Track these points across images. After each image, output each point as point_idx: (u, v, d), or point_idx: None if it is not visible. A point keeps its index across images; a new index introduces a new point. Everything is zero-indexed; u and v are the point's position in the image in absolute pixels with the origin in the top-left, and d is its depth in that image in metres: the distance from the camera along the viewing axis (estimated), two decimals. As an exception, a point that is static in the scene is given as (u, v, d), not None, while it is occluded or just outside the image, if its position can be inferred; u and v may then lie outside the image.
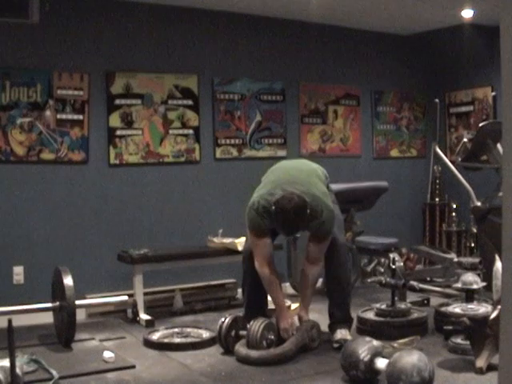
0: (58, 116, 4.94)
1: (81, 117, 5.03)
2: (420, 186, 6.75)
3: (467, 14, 5.69)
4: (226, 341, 3.89)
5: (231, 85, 5.71)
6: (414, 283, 4.69)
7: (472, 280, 4.14)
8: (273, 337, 3.81)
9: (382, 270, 5.63)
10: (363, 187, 5.64)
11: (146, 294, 4.86)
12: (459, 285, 4.19)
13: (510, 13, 1.59)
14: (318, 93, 6.19)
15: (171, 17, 5.42)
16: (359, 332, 4.15)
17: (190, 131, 5.52)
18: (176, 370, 3.62)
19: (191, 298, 5.28)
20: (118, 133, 5.20)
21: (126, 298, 4.49)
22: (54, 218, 4.96)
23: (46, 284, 4.38)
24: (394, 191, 6.14)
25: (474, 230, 6.03)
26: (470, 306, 4.09)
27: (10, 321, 2.69)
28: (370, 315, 4.26)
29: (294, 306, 4.44)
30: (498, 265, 3.47)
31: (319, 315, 4.39)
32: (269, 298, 4.10)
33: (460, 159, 5.26)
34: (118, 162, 5.21)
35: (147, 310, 4.84)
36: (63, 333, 4.04)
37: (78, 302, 4.06)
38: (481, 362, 3.33)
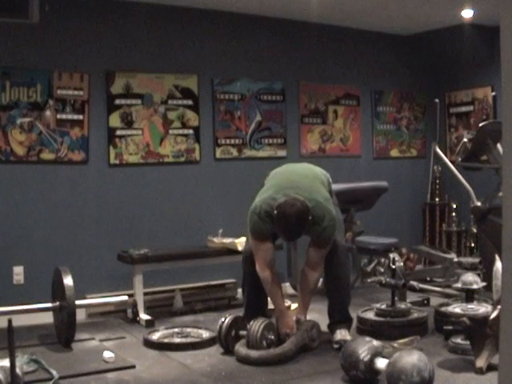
0: (58, 116, 4.94)
1: (81, 117, 5.03)
2: (420, 186, 6.75)
3: (467, 13, 5.69)
4: (225, 341, 3.89)
5: (231, 85, 5.71)
6: (413, 283, 4.69)
7: (472, 280, 4.14)
8: (273, 337, 3.82)
9: (382, 270, 5.63)
10: (363, 187, 5.65)
11: (146, 293, 4.86)
12: (459, 285, 4.19)
13: (510, 13, 1.59)
14: (318, 93, 6.19)
15: (171, 17, 5.42)
16: (359, 332, 4.14)
17: (190, 131, 5.52)
18: (176, 370, 3.62)
19: (191, 298, 5.28)
20: (118, 133, 5.20)
21: (126, 298, 4.49)
22: (54, 217, 4.96)
23: (46, 284, 4.38)
24: (393, 191, 6.15)
25: (474, 230, 6.04)
26: (470, 306, 4.09)
27: (9, 321, 2.69)
28: (370, 315, 4.26)
29: (294, 306, 4.44)
30: (498, 265, 3.48)
31: (319, 315, 4.39)
32: (269, 298, 4.09)
33: (460, 159, 5.26)
34: (117, 162, 5.21)
35: (147, 310, 4.84)
36: (63, 333, 4.04)
37: (77, 302, 4.06)
38: (481, 362, 3.33)
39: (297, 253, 5.46)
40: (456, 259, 4.90)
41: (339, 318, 4.07)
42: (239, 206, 5.30)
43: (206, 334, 4.21)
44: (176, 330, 4.33)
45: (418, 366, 3.01)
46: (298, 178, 4.05)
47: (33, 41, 4.85)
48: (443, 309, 4.19)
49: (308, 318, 4.09)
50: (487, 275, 4.28)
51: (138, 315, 4.71)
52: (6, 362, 2.84)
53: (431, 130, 6.64)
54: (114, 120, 5.19)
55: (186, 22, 5.50)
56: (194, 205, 5.53)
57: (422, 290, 4.84)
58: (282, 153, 5.95)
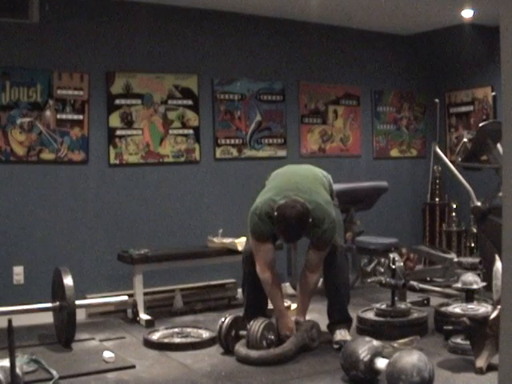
0: (58, 116, 4.94)
1: (81, 117, 5.03)
2: (420, 186, 6.75)
3: (467, 13, 5.69)
4: (225, 341, 3.89)
5: (231, 85, 5.71)
6: (414, 283, 4.69)
7: (472, 280, 4.14)
8: (273, 337, 3.82)
9: (382, 270, 5.63)
10: (363, 187, 5.65)
11: (146, 294, 4.86)
12: (459, 285, 4.19)
13: (510, 13, 1.59)
14: (318, 93, 6.19)
15: (171, 17, 5.42)
16: (359, 332, 4.15)
17: (190, 131, 5.52)
18: (176, 370, 3.62)
19: (191, 298, 5.28)
20: (118, 133, 5.20)
21: (126, 298, 4.49)
22: (54, 217, 4.96)
23: (46, 284, 4.38)
24: (393, 191, 6.15)
25: (474, 230, 6.03)
26: (470, 306, 4.09)
27: (10, 321, 2.69)
28: (370, 315, 4.26)
29: (294, 306, 4.44)
30: (498, 265, 3.48)
31: (319, 315, 4.39)
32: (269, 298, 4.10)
33: (460, 159, 5.26)
34: (117, 162, 5.21)
35: (147, 310, 4.84)
36: (63, 333, 4.04)
37: (77, 302, 4.06)
38: (481, 362, 3.33)
39: (297, 253, 5.46)
40: (456, 259, 4.90)
41: (339, 318, 4.07)
42: (239, 206, 5.31)
43: (205, 334, 4.21)
44: (176, 329, 4.33)
45: (418, 366, 3.01)
46: (298, 179, 4.05)
47: (33, 41, 4.84)
48: (443, 309, 4.19)
49: (308, 318, 4.10)
50: (487, 275, 4.28)
51: (137, 315, 4.71)
52: (6, 362, 2.84)
53: (431, 130, 6.64)
54: (114, 120, 5.19)
55: (186, 21, 5.50)
56: (193, 205, 5.53)
57: (422, 290, 4.84)
58: (282, 153, 5.95)
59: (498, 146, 4.85)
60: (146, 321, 4.61)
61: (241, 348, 3.77)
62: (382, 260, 5.62)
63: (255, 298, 4.12)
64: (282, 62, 5.99)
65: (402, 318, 4.15)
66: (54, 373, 3.38)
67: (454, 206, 6.43)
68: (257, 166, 5.71)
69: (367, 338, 3.40)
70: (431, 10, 5.60)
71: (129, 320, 4.79)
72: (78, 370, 3.55)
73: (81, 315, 4.72)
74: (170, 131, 5.42)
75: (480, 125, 5.06)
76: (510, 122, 1.61)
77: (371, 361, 3.23)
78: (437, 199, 6.62)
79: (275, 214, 3.76)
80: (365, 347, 3.27)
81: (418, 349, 3.48)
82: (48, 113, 4.90)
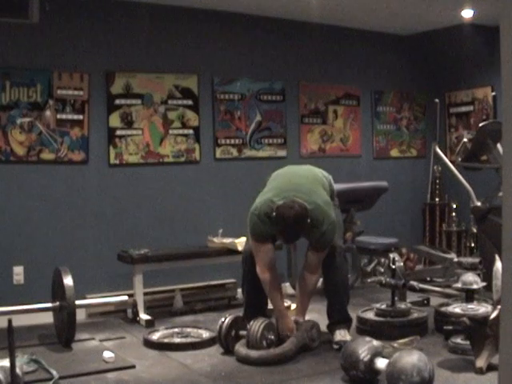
0: (58, 116, 4.94)
1: (81, 117, 5.03)
2: (420, 186, 6.75)
3: (467, 13, 5.69)
4: (225, 341, 3.89)
5: (231, 85, 5.71)
6: (414, 283, 4.70)
7: (472, 280, 4.14)
8: (273, 337, 3.82)
9: (382, 270, 5.63)
10: (363, 187, 5.65)
11: (146, 294, 4.86)
12: (459, 285, 4.19)
13: (510, 13, 1.59)
14: (318, 93, 6.19)
15: (171, 17, 5.42)
16: (359, 332, 4.15)
17: (190, 131, 5.51)
18: (176, 370, 3.63)
19: (191, 298, 5.28)
20: (118, 133, 5.20)
21: (126, 298, 4.49)
22: (54, 218, 4.96)
23: (46, 284, 4.38)
24: (393, 191, 6.15)
25: (474, 230, 6.03)
26: (470, 306, 4.09)
27: (10, 321, 2.69)
28: (370, 315, 4.26)
29: (294, 305, 4.44)
30: (498, 265, 3.47)
31: (319, 315, 4.39)
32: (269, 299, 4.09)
33: (460, 159, 5.26)
34: (117, 162, 5.21)
35: (147, 310, 4.84)
36: (63, 333, 4.04)
37: (77, 302, 4.06)
38: (481, 362, 3.33)
39: (296, 253, 5.46)
40: (456, 259, 4.90)
41: (338, 318, 4.07)
42: (239, 206, 5.30)
43: (205, 334, 4.21)
44: (176, 329, 4.33)
45: (418, 366, 3.01)
46: (298, 180, 4.05)
47: (33, 41, 4.85)
48: (443, 309, 4.19)
49: (307, 318, 4.10)
50: (487, 275, 4.28)
51: (137, 315, 4.71)
52: (6, 362, 2.84)
53: (431, 129, 6.64)
54: (114, 120, 5.19)
55: (186, 22, 5.50)
56: (193, 205, 5.53)
57: (422, 290, 4.84)
58: (281, 153, 5.95)
59: (498, 145, 4.85)
60: (146, 321, 4.61)
61: (241, 348, 3.77)
62: (382, 260, 5.62)
63: (255, 298, 4.12)
64: (282, 62, 5.99)
65: (402, 318, 4.15)
66: (54, 373, 3.38)
67: (454, 206, 6.43)
68: (257, 166, 5.71)
69: (367, 338, 3.40)
70: (431, 10, 5.60)
71: (129, 320, 4.79)
72: (78, 370, 3.55)
73: (81, 315, 4.72)
74: (170, 131, 5.42)
75: (480, 125, 5.06)
76: (510, 122, 1.61)
77: (371, 361, 3.23)
78: (437, 199, 6.62)
79: (274, 214, 3.76)
80: (365, 347, 3.27)
81: (418, 349, 3.48)
82: (48, 113, 4.90)
